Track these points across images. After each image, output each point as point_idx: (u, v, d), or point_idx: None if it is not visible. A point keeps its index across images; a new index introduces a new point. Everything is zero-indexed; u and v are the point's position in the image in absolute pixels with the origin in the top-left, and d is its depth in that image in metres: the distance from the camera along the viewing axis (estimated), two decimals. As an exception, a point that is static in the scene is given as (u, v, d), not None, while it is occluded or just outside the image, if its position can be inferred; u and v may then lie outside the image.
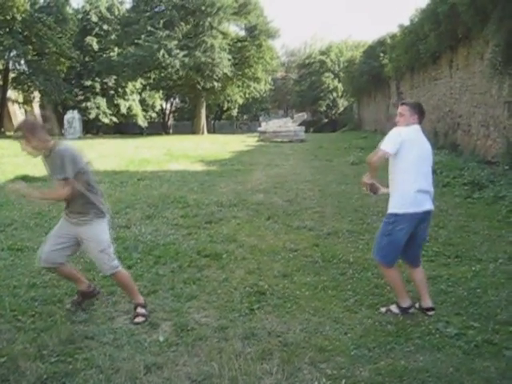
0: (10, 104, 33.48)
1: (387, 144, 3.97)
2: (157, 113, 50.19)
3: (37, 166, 13.08)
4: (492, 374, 3.19)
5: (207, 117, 46.11)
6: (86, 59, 37.56)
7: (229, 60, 35.92)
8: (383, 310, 4.17)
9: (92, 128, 40.26)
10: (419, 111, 4.21)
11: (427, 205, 4.02)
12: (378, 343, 3.60)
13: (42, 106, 39.17)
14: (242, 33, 41.26)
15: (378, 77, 26.49)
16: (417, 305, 4.16)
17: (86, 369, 3.24)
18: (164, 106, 51.15)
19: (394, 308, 4.14)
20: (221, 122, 56.59)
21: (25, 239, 6.21)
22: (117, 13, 39.27)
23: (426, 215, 4.03)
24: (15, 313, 4.05)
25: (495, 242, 6.15)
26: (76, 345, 3.54)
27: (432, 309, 4.09)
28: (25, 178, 10.71)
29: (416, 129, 4.11)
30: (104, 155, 16.82)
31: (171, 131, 48.87)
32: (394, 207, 4.01)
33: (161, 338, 3.67)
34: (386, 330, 3.82)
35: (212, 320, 4.01)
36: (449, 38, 13.90)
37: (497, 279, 4.83)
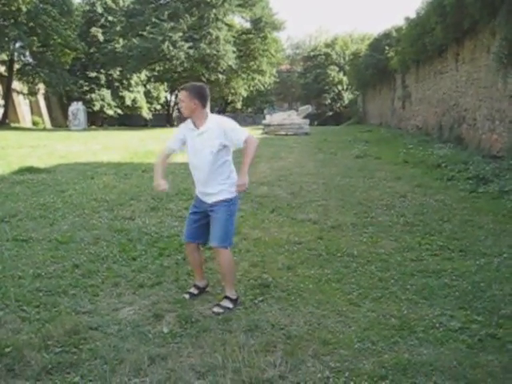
0: (14, 95, 33.47)
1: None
2: (161, 105, 50.18)
3: (41, 158, 13.17)
4: (496, 367, 3.19)
5: (212, 109, 46.00)
6: (91, 50, 37.50)
7: (233, 52, 35.85)
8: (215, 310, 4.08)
9: (96, 120, 40.28)
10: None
11: None
12: (382, 336, 3.60)
13: (46, 98, 39.29)
14: (247, 25, 41.17)
15: (384, 70, 26.36)
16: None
17: (90, 359, 3.25)
18: (168, 98, 51.08)
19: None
20: (225, 114, 56.48)
21: (29, 230, 6.23)
22: (122, 4, 39.16)
23: None
24: (20, 303, 4.07)
25: (500, 236, 6.13)
26: (80, 335, 3.55)
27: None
28: (30, 170, 10.77)
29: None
30: (108, 147, 16.84)
31: (176, 123, 48.82)
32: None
33: (165, 330, 3.69)
34: (390, 323, 3.82)
35: (216, 312, 4.02)
36: (455, 30, 13.80)
37: (501, 273, 4.82)
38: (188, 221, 4.36)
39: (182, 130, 4.26)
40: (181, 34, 33.64)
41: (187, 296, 4.28)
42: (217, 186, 4.10)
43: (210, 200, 4.14)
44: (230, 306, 4.08)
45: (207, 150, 4.03)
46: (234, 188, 4.11)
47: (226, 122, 4.11)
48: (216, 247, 4.14)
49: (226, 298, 4.15)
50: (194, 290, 4.37)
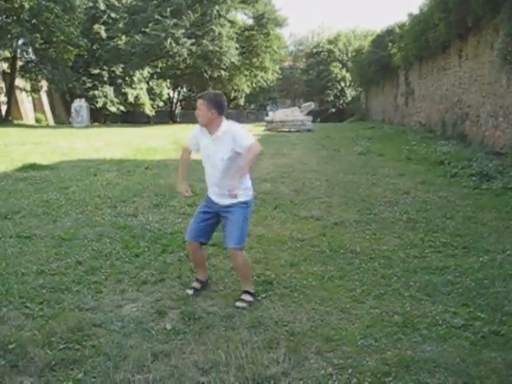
0: (17, 92, 33.48)
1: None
2: (164, 101, 50.12)
3: (44, 155, 13.18)
4: (499, 364, 3.19)
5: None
6: (94, 47, 37.44)
7: (236, 49, 35.79)
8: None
9: (99, 117, 40.24)
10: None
11: None
12: (385, 333, 3.60)
13: (49, 95, 39.30)
14: (250, 21, 41.11)
15: (387, 66, 26.30)
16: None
17: (93, 356, 3.26)
18: (171, 95, 51.04)
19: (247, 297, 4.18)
20: (228, 111, 56.35)
21: (33, 227, 6.24)
22: (124, 1, 39.06)
23: None
24: (23, 300, 4.08)
25: (503, 233, 6.12)
26: (84, 332, 3.56)
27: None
28: (33, 166, 10.78)
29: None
30: (111, 144, 16.85)
31: (178, 120, 48.81)
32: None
33: (168, 326, 3.69)
34: (393, 320, 3.82)
35: (219, 308, 4.03)
36: (458, 27, 13.77)
37: (504, 270, 4.81)
38: (196, 218, 4.35)
39: (196, 135, 4.30)
40: (183, 30, 33.59)
41: (191, 291, 4.29)
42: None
43: (225, 202, 4.16)
44: (251, 299, 4.14)
45: (219, 156, 4.07)
46: (250, 192, 4.20)
47: (235, 129, 4.12)
48: (233, 249, 4.14)
49: (246, 292, 4.20)
50: (196, 285, 4.38)
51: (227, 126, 4.13)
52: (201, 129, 4.24)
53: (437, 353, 3.32)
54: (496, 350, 3.35)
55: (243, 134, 4.09)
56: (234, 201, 4.09)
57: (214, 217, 4.27)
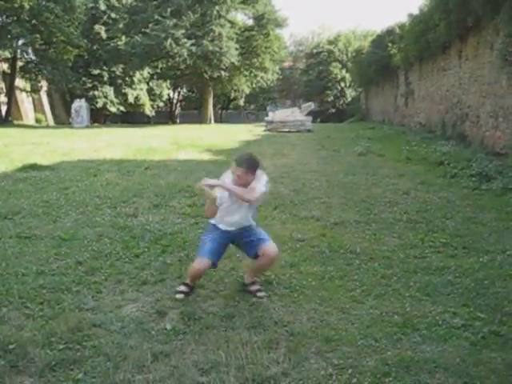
0: (17, 92, 33.49)
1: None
2: (164, 102, 50.13)
3: (44, 155, 13.18)
4: (499, 365, 3.19)
5: (214, 106, 46.05)
6: (94, 48, 37.45)
7: (236, 49, 35.76)
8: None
9: (99, 117, 40.24)
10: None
11: None
12: (385, 333, 3.60)
13: (49, 95, 39.31)
14: (250, 22, 41.07)
15: (387, 67, 26.30)
16: None
17: (93, 356, 3.26)
18: (171, 96, 51.08)
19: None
20: (228, 111, 56.49)
21: (33, 227, 6.23)
22: (124, 1, 39.05)
23: None
24: (23, 300, 4.07)
25: (503, 233, 6.13)
26: (84, 332, 3.56)
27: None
28: (33, 167, 10.78)
29: None
30: (111, 144, 16.85)
31: (178, 120, 48.88)
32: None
33: (168, 327, 3.69)
34: (393, 320, 3.82)
35: (219, 309, 4.03)
36: (458, 27, 13.77)
37: (504, 271, 4.82)
38: (215, 238, 4.33)
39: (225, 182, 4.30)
40: (183, 31, 33.57)
41: (181, 296, 4.23)
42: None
43: (237, 227, 4.36)
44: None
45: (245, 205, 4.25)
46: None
47: (256, 179, 4.23)
48: (275, 251, 4.31)
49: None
50: (184, 288, 4.31)
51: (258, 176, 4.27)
52: (228, 176, 4.31)
53: (437, 353, 3.32)
54: (496, 351, 3.36)
55: (257, 186, 4.21)
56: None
57: (229, 242, 4.46)
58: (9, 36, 28.53)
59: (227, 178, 4.30)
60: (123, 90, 39.92)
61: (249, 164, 4.19)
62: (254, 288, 4.35)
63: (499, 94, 11.73)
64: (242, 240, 4.40)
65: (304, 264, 5.09)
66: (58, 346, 3.36)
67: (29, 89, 34.10)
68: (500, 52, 10.78)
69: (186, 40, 33.36)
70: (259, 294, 4.27)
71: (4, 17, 29.08)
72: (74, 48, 32.62)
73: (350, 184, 9.42)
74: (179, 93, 52.94)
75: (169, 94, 50.11)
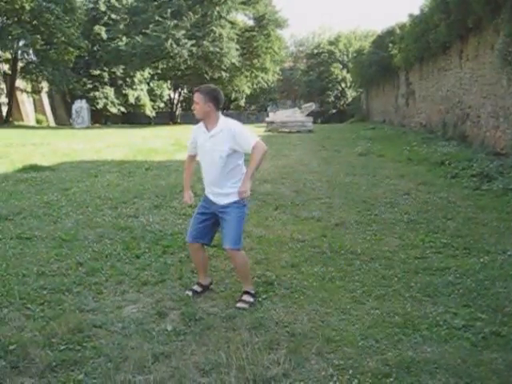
0: (18, 93, 33.52)
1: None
2: (165, 103, 50.11)
3: (45, 156, 13.19)
4: (499, 365, 3.18)
5: (215, 107, 45.87)
6: (95, 48, 37.53)
7: (237, 50, 35.82)
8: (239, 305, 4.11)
9: (100, 118, 40.28)
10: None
11: None
12: (386, 334, 3.60)
13: (50, 96, 39.32)
14: (251, 22, 41.14)
15: (387, 67, 26.28)
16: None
17: (94, 357, 3.26)
18: (172, 96, 51.04)
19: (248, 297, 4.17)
20: (229, 112, 56.46)
21: (33, 228, 6.24)
22: (125, 2, 39.10)
23: None
24: (24, 301, 4.08)
25: (504, 233, 6.12)
26: (85, 333, 3.56)
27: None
28: (33, 168, 10.79)
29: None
30: (112, 145, 16.86)
31: (179, 121, 48.81)
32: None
33: (169, 327, 3.69)
34: (394, 321, 3.81)
35: (220, 310, 4.03)
36: (459, 27, 13.77)
37: (505, 271, 4.81)
38: (194, 220, 4.35)
39: (194, 133, 4.28)
40: (184, 31, 33.63)
41: (190, 293, 4.29)
42: (228, 188, 4.09)
43: (221, 201, 4.13)
44: (252, 299, 4.14)
45: (217, 154, 4.02)
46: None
47: (235, 126, 4.07)
48: (230, 249, 4.13)
49: (247, 293, 4.19)
50: (197, 288, 4.37)
51: (225, 122, 4.09)
52: (198, 127, 4.22)
53: (437, 354, 3.32)
54: (497, 351, 3.35)
55: (245, 133, 4.04)
56: (231, 200, 4.07)
57: (212, 217, 4.24)
58: (9, 37, 28.59)
59: (194, 132, 4.31)
60: (124, 91, 39.98)
61: (205, 90, 4.07)
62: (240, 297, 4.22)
63: (500, 94, 11.72)
64: (218, 217, 4.23)
65: (305, 264, 5.09)
66: (58, 347, 3.37)
67: (29, 90, 34.14)
68: (500, 52, 10.77)
69: (186, 41, 33.42)
70: (237, 304, 4.10)
71: (5, 18, 29.10)
72: (75, 49, 32.66)
73: (350, 184, 9.42)
74: (180, 93, 52.86)
75: (169, 95, 50.07)
